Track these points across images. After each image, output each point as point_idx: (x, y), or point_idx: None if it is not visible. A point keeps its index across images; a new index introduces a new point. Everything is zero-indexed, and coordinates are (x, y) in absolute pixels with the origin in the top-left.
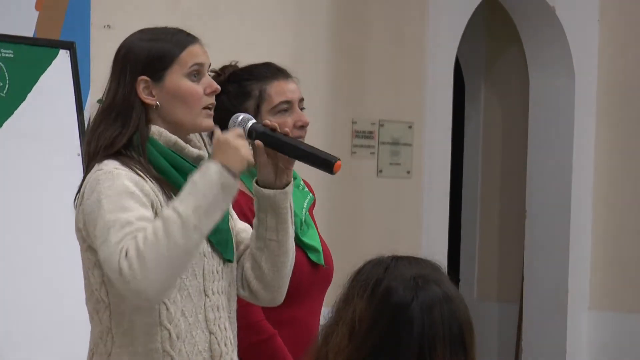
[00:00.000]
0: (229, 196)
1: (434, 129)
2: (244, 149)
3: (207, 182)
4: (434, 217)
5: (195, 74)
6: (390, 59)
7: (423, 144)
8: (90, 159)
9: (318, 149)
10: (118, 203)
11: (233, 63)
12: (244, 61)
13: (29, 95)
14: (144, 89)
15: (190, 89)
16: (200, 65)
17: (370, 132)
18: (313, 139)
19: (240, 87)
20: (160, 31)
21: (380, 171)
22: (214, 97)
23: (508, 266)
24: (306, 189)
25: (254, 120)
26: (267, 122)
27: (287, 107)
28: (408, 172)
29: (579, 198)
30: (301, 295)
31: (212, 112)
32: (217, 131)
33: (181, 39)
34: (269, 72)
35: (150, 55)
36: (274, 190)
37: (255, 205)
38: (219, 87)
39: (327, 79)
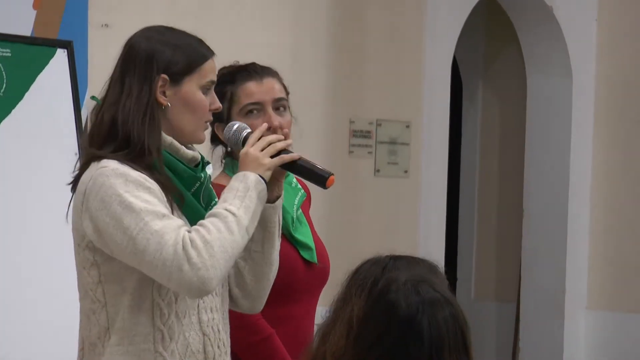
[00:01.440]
0: (262, 205)
1: (432, 128)
2: (266, 159)
3: (248, 187)
4: (431, 216)
5: (208, 88)
6: (388, 58)
7: (420, 143)
8: (88, 157)
9: (312, 163)
10: (141, 196)
11: (235, 63)
12: (242, 61)
13: (27, 95)
14: (160, 87)
15: (202, 101)
16: (213, 82)
17: (368, 132)
18: (311, 138)
19: (219, 89)
20: (183, 35)
21: (378, 170)
22: (211, 114)
23: (505, 266)
24: (299, 185)
25: (249, 130)
26: (262, 128)
27: (254, 108)
28: (405, 172)
29: (577, 197)
30: (295, 293)
31: (208, 127)
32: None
33: (205, 50)
34: (243, 74)
35: (177, 57)
36: (264, 204)
37: None
38: (220, 106)
39: (325, 79)
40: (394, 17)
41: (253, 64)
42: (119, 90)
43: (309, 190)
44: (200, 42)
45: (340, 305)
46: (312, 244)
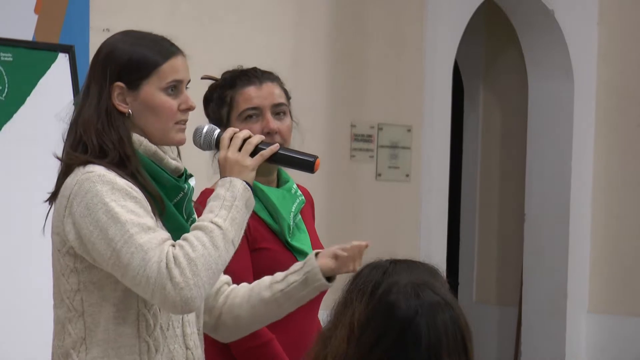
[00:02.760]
0: (249, 214)
1: (433, 132)
2: (248, 160)
3: (235, 196)
4: (432, 220)
5: (172, 88)
6: (389, 62)
7: (422, 147)
8: (73, 161)
9: (295, 150)
10: (127, 206)
11: (238, 68)
12: (242, 65)
13: (28, 99)
14: (118, 96)
15: (164, 103)
16: (179, 81)
17: (369, 136)
18: (312, 142)
19: (220, 94)
20: (144, 36)
21: (379, 174)
22: (188, 114)
23: (507, 269)
24: (299, 192)
25: (218, 130)
26: (232, 129)
27: (253, 113)
28: (407, 176)
29: (578, 201)
30: None
31: (184, 127)
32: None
33: (164, 49)
34: (243, 78)
35: (130, 61)
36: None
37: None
38: (194, 104)
39: (326, 83)
40: (395, 21)
41: (254, 69)
42: (85, 97)
43: (311, 197)
44: (161, 41)
45: (341, 310)
46: (309, 250)
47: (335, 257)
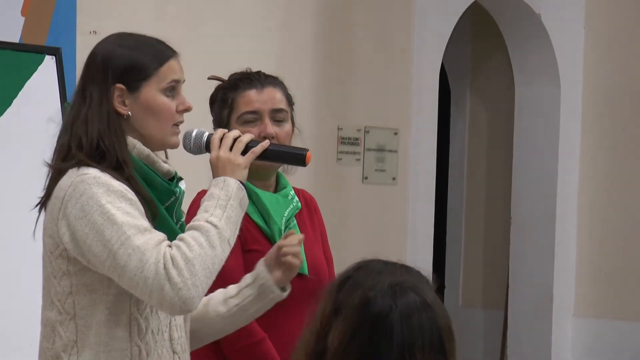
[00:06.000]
0: (243, 213)
1: (420, 135)
2: (240, 159)
3: (230, 195)
4: (419, 223)
5: (171, 89)
6: (376, 65)
7: (408, 150)
8: (66, 162)
9: (286, 145)
10: (123, 208)
11: (247, 70)
12: (229, 68)
13: (15, 101)
14: (117, 97)
15: (164, 104)
16: (177, 82)
17: (356, 139)
18: (299, 145)
19: (223, 95)
20: (141, 39)
21: (366, 178)
22: (183, 115)
23: (493, 273)
24: (295, 198)
25: (207, 133)
26: (222, 130)
27: (252, 117)
28: (393, 179)
29: (565, 205)
30: (284, 302)
31: (179, 129)
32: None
33: (162, 51)
34: (246, 81)
35: (131, 64)
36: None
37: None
38: (191, 105)
39: (312, 86)
40: (382, 24)
41: (258, 73)
42: (81, 100)
43: (314, 202)
44: (158, 44)
45: (330, 314)
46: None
47: (280, 263)
